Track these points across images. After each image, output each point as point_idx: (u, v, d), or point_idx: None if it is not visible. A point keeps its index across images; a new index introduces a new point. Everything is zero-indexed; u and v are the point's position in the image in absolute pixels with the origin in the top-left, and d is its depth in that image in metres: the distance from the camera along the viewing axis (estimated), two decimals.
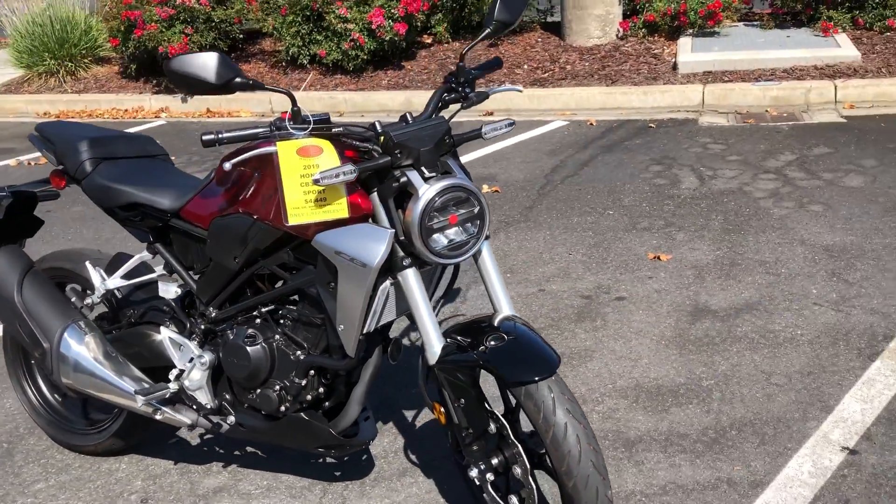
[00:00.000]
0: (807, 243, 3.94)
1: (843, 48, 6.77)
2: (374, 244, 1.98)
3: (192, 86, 1.91)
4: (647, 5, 7.69)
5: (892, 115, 5.87)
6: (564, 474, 1.85)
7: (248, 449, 2.77)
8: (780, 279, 3.61)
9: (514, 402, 2.09)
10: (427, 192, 1.96)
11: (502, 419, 2.01)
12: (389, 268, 2.03)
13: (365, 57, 7.54)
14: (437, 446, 2.69)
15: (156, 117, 7.76)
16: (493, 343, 2.00)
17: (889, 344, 3.05)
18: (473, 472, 2.08)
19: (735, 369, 2.97)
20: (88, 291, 2.52)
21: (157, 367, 2.48)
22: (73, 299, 2.54)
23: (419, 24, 7.78)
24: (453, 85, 2.21)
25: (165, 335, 2.38)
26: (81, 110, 8.09)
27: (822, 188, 4.62)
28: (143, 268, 2.55)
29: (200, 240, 2.37)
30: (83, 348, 2.40)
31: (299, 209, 2.00)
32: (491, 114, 6.84)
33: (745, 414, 2.72)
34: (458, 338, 2.07)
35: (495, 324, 2.10)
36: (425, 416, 2.87)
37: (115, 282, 2.47)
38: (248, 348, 2.24)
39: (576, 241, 4.19)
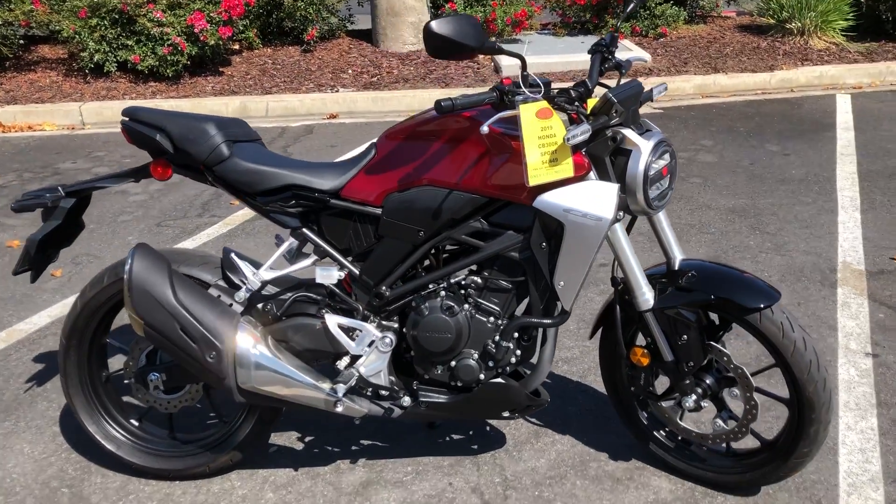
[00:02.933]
0: (713, 208, 4.58)
1: (634, 51, 7.77)
2: (604, 199, 2.08)
3: (453, 48, 1.89)
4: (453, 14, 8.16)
5: (693, 105, 6.88)
6: (807, 381, 2.11)
7: (364, 442, 2.66)
8: (716, 237, 4.18)
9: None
10: (647, 146, 2.12)
11: (722, 348, 2.22)
12: None
13: (186, 62, 7.09)
14: (544, 411, 2.81)
15: None
16: (695, 282, 2.21)
17: (837, 275, 3.71)
18: (688, 402, 2.26)
19: None
20: (236, 287, 2.26)
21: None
22: (220, 296, 2.26)
23: (239, 28, 7.51)
24: (605, 55, 2.36)
25: (333, 322, 2.24)
26: None
27: (688, 165, 5.35)
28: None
29: (364, 219, 2.26)
30: (262, 346, 2.17)
31: (538, 170, 2.03)
32: (335, 116, 6.82)
33: None
34: (664, 280, 2.26)
35: (677, 267, 2.30)
36: None
37: (269, 273, 2.25)
38: (450, 319, 2.21)
39: None
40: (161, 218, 4.67)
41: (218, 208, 4.77)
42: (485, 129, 1.95)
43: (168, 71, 7.09)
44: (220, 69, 7.54)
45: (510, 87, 2.05)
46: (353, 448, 2.63)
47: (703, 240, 4.14)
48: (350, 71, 7.69)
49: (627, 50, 7.78)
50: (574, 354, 3.12)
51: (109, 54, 7.07)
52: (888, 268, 3.78)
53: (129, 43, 7.03)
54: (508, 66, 7.45)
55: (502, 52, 2.00)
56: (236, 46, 8.01)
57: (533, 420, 2.75)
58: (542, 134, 2.04)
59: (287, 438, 2.68)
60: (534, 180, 2.04)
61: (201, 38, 6.97)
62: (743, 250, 3.99)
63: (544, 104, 2.04)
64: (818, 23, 8.02)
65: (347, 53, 8.14)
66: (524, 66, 2.06)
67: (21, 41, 7.48)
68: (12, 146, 6.19)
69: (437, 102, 1.96)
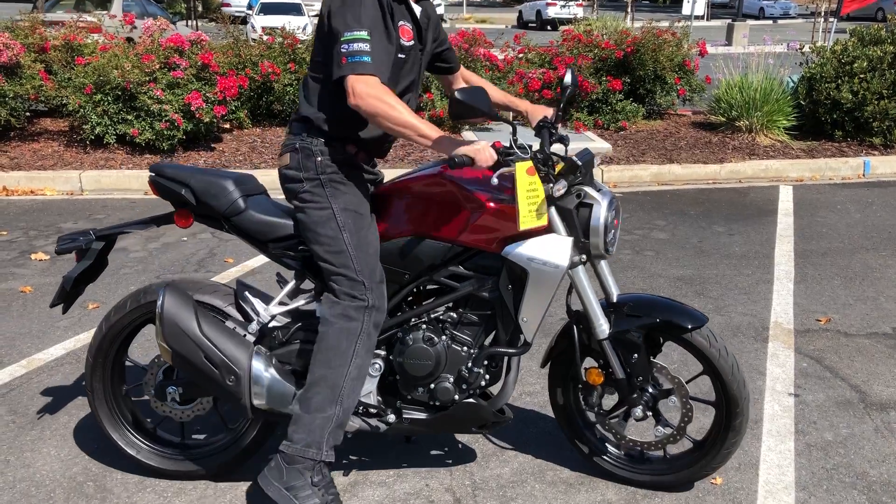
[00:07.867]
0: (663, 276, 5.10)
1: (596, 142, 8.46)
2: (562, 249, 2.51)
3: (472, 112, 2.35)
4: None
5: (649, 191, 7.51)
6: (731, 381, 2.58)
7: (352, 456, 3.03)
8: None
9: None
10: (605, 200, 2.59)
11: (663, 365, 2.67)
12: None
13: (181, 137, 7.61)
14: (508, 433, 3.22)
15: None
16: (638, 310, 2.67)
17: (768, 332, 4.21)
18: (637, 413, 2.68)
19: (685, 355, 3.88)
20: (250, 319, 2.67)
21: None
22: (235, 328, 2.66)
23: (232, 108, 8.08)
24: (552, 131, 2.85)
25: None
26: None
27: (642, 240, 5.91)
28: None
29: None
30: (273, 371, 2.57)
31: (526, 217, 2.44)
32: None
33: None
34: (610, 311, 2.72)
35: (615, 300, 2.74)
36: None
37: (276, 308, 2.66)
38: (430, 349, 2.62)
39: None
40: (159, 272, 5.07)
41: (213, 265, 5.20)
42: (494, 180, 2.42)
43: (164, 145, 7.60)
44: (213, 145, 8.07)
45: (503, 149, 2.52)
46: (343, 461, 3.00)
47: None
48: None
49: (590, 140, 8.47)
50: (536, 389, 3.56)
51: (110, 127, 7.57)
52: (814, 327, 4.30)
53: (129, 118, 7.55)
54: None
55: (500, 119, 2.50)
56: (227, 126, 8.58)
57: (498, 439, 3.15)
58: (529, 188, 2.48)
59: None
60: (523, 226, 2.44)
61: (197, 116, 7.52)
62: None
63: (530, 163, 2.50)
64: (764, 122, 8.81)
65: None
66: (514, 131, 2.54)
67: (27, 114, 7.96)
68: (17, 207, 6.60)
69: (451, 159, 2.40)
